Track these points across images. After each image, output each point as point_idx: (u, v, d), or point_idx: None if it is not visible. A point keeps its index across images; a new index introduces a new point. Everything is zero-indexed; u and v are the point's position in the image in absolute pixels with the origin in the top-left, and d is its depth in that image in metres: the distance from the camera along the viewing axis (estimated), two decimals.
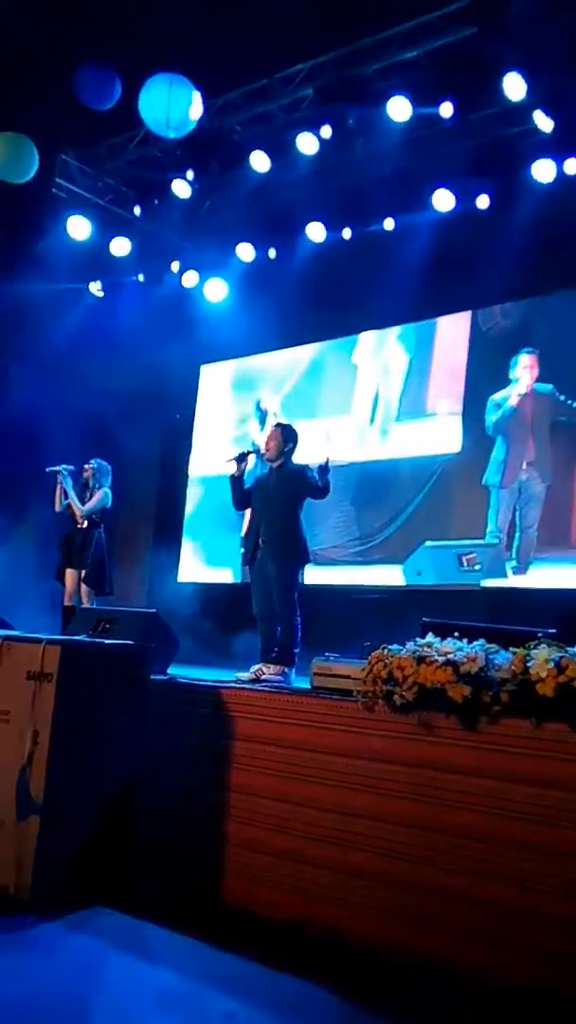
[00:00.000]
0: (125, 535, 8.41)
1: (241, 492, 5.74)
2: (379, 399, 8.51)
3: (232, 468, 5.73)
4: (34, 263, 8.51)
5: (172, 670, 5.03)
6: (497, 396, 7.60)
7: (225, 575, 9.13)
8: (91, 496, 7.12)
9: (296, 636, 5.44)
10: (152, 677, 4.34)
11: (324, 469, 5.47)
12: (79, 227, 8.43)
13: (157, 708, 4.25)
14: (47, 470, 7.11)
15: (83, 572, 7.03)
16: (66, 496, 7.07)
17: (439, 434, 7.96)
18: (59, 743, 3.74)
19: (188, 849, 4.16)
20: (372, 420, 8.50)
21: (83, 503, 7.09)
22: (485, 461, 7.60)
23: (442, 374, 8.12)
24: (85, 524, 7.09)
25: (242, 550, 5.99)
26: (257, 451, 5.92)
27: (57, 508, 7.15)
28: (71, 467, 7.12)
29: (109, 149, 8.24)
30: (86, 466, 7.16)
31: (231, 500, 5.86)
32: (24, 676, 3.82)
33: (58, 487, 7.08)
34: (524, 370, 7.50)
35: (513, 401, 7.49)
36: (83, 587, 7.02)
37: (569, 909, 3.07)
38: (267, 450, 5.70)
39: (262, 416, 9.19)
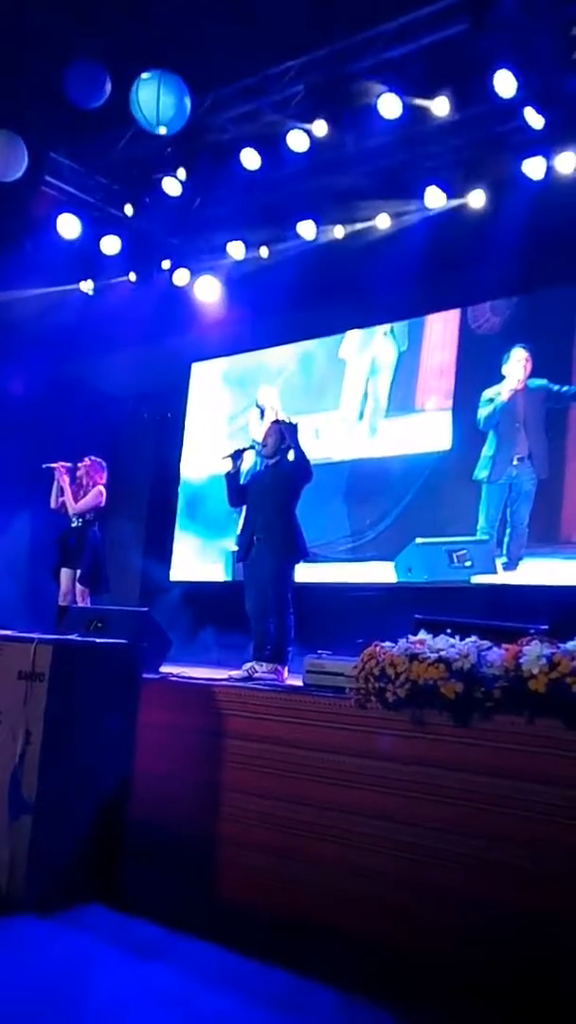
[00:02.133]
0: (117, 534, 8.40)
1: (237, 489, 5.75)
2: (368, 395, 8.51)
3: (227, 465, 5.74)
4: (24, 262, 8.48)
5: (164, 668, 5.03)
6: (490, 392, 7.61)
7: (217, 573, 9.12)
8: (85, 494, 7.11)
9: (289, 634, 5.45)
10: (144, 676, 4.34)
11: (293, 431, 5.50)
12: (69, 225, 8.40)
13: (149, 707, 4.25)
14: (43, 466, 7.11)
15: (78, 572, 7.03)
16: (62, 493, 7.07)
17: (428, 431, 7.97)
18: (51, 743, 3.73)
19: (182, 847, 4.15)
20: (361, 416, 8.51)
21: (77, 501, 7.09)
22: (475, 458, 7.61)
23: (431, 371, 8.13)
24: (80, 523, 7.09)
25: (236, 547, 5.99)
26: (256, 447, 5.92)
27: (53, 505, 7.15)
28: (68, 464, 7.12)
29: (99, 147, 8.20)
30: (80, 464, 7.15)
31: (226, 497, 5.86)
32: (16, 676, 3.82)
33: (55, 484, 7.08)
34: (517, 364, 7.50)
35: (505, 396, 7.51)
36: (77, 587, 7.01)
37: (566, 905, 3.08)
38: (264, 446, 5.71)
39: (262, 412, 9.18)
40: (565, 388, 7.16)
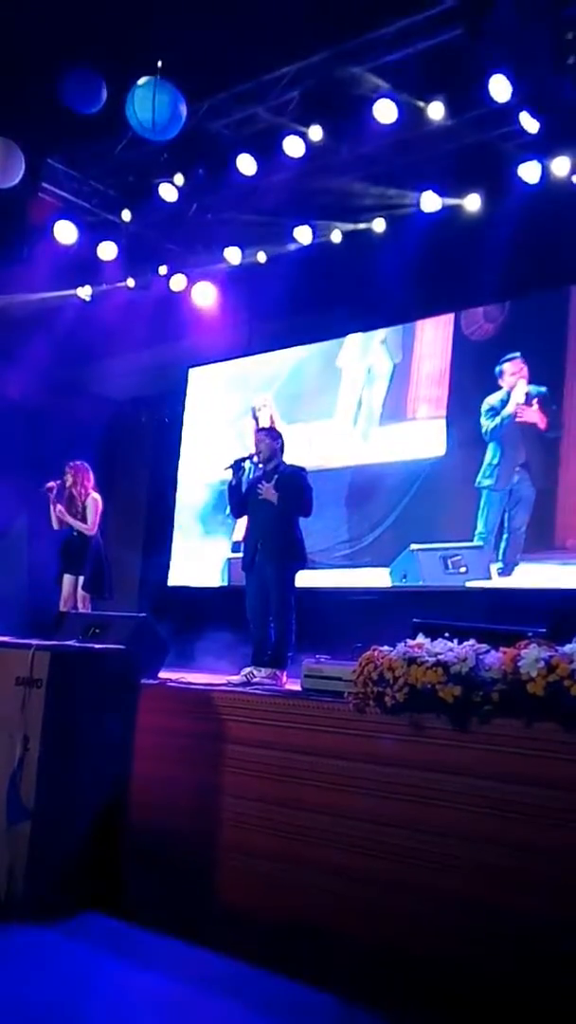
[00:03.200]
0: (115, 539, 8.38)
1: (239, 499, 5.75)
2: (363, 403, 8.51)
3: (228, 476, 5.74)
4: (21, 268, 8.49)
5: (163, 674, 5.03)
6: (493, 400, 7.57)
7: (214, 579, 9.11)
8: (82, 505, 7.10)
9: (290, 639, 5.45)
10: (142, 681, 4.33)
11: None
12: (66, 231, 8.41)
13: (147, 712, 4.24)
14: (43, 489, 7.09)
15: (80, 578, 7.03)
16: (63, 512, 7.06)
17: (423, 438, 7.97)
18: (50, 749, 3.73)
19: (180, 853, 4.15)
20: (355, 423, 8.52)
21: (74, 512, 7.08)
22: (470, 464, 7.59)
23: (425, 378, 8.13)
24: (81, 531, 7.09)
25: (240, 555, 6.00)
26: (251, 457, 5.90)
27: (56, 527, 7.13)
28: (57, 482, 7.11)
29: (95, 153, 8.21)
30: (67, 474, 7.11)
31: (229, 508, 5.88)
32: (14, 682, 3.82)
33: (55, 505, 7.06)
34: (513, 378, 7.48)
35: (511, 408, 7.48)
36: (79, 592, 7.01)
37: (565, 909, 3.07)
38: (258, 454, 5.72)
39: (256, 418, 9.18)
40: (555, 406, 7.16)
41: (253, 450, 5.84)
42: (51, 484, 7.07)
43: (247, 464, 5.82)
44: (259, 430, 5.93)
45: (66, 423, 8.82)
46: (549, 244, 6.92)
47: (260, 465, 5.73)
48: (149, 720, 4.24)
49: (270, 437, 5.72)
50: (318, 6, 6.10)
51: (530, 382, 7.42)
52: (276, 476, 5.62)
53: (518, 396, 7.45)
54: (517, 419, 7.43)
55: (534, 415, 7.35)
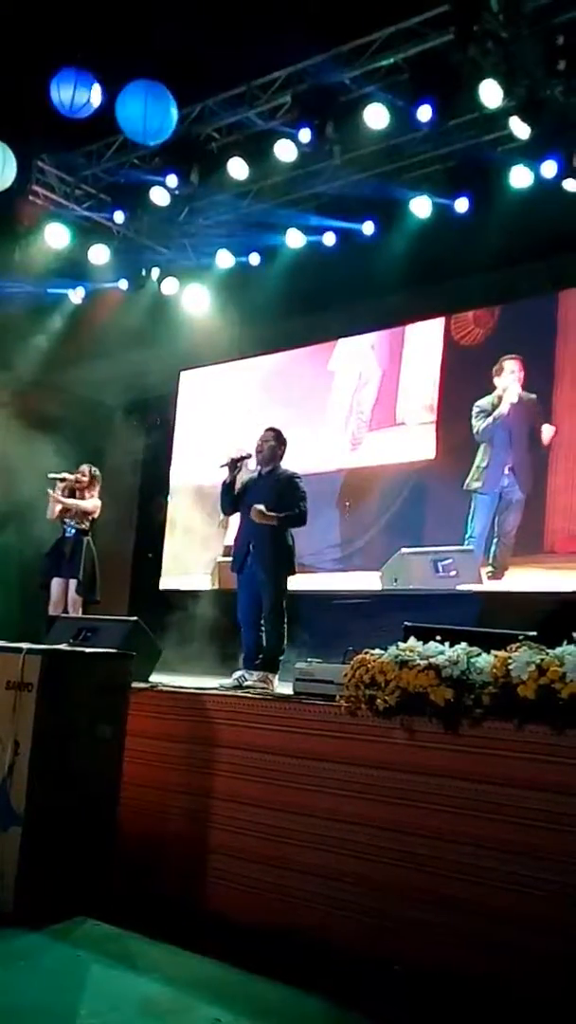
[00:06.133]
0: (106, 542, 8.37)
1: (232, 497, 5.69)
2: (353, 407, 8.53)
3: (224, 474, 5.70)
4: (12, 270, 8.49)
5: (154, 678, 5.02)
6: (483, 403, 7.59)
7: (206, 581, 9.11)
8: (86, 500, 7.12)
9: (282, 643, 5.43)
10: (134, 685, 4.33)
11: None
12: (57, 234, 8.41)
13: (139, 716, 4.24)
14: (49, 476, 7.08)
15: (71, 581, 7.01)
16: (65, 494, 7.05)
17: (414, 441, 7.99)
18: (40, 753, 3.71)
19: (172, 857, 4.14)
20: (347, 427, 8.53)
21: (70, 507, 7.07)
22: (460, 468, 7.61)
23: (415, 382, 8.16)
24: (74, 533, 7.07)
25: (230, 557, 5.95)
26: (249, 456, 5.84)
27: (52, 516, 7.11)
28: (71, 477, 7.10)
29: (87, 156, 8.23)
30: (84, 475, 7.11)
31: (221, 505, 5.81)
32: (4, 686, 3.81)
33: (57, 493, 7.05)
34: (511, 376, 7.50)
35: (504, 408, 7.49)
36: (71, 596, 6.98)
37: (559, 912, 3.08)
38: (259, 453, 5.67)
39: (249, 422, 9.17)
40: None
41: (254, 446, 5.76)
42: (64, 476, 7.05)
43: (245, 462, 5.77)
44: (268, 429, 5.83)
45: (58, 425, 8.81)
46: (539, 249, 6.95)
47: (258, 467, 5.69)
48: (140, 724, 4.23)
49: (275, 440, 5.66)
50: (309, 11, 6.12)
51: (522, 386, 7.45)
52: (270, 478, 5.59)
53: (510, 399, 7.47)
54: (507, 422, 7.46)
55: (524, 418, 7.39)
